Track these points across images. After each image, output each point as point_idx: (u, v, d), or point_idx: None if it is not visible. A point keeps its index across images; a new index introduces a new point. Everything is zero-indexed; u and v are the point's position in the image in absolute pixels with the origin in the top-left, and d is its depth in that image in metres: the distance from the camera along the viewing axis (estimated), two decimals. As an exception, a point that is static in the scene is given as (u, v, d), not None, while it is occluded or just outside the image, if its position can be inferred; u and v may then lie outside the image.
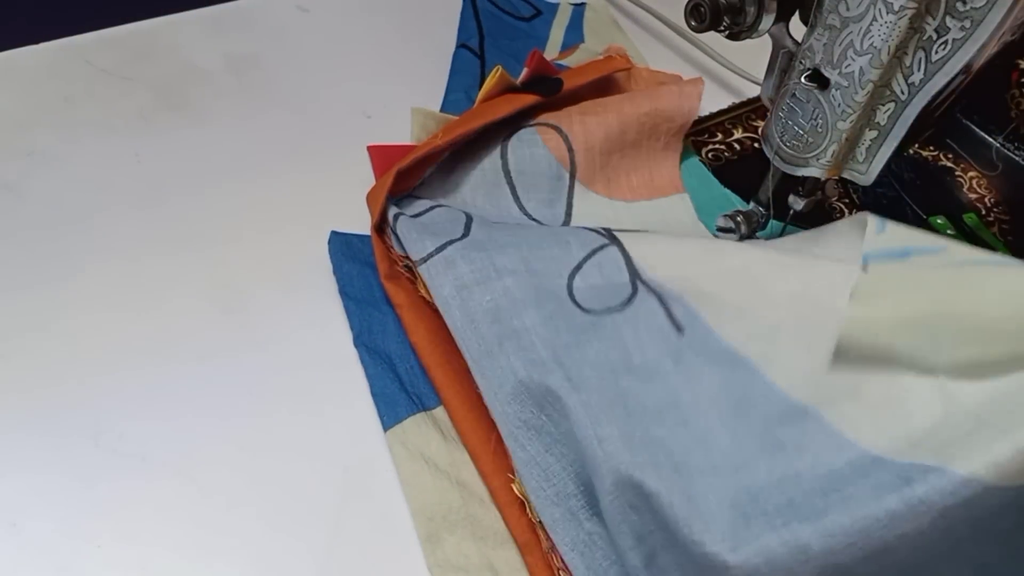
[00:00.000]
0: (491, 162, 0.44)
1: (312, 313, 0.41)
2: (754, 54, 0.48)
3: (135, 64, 0.53)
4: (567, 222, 0.44)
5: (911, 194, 0.47)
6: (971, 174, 0.47)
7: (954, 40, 0.31)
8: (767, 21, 0.36)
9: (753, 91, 0.55)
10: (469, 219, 0.40)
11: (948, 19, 0.31)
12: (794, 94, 0.36)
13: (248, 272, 0.42)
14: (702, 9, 0.36)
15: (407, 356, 0.39)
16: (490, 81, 0.46)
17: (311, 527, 0.33)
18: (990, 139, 0.46)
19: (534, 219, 0.43)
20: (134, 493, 0.34)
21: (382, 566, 0.32)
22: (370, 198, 0.43)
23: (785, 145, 0.37)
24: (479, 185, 0.44)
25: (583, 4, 0.61)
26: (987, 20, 0.30)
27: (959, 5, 0.30)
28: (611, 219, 0.44)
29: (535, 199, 0.44)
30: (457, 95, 0.52)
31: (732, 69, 0.56)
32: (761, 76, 0.40)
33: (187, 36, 0.56)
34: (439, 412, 0.37)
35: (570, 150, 0.44)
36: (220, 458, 0.35)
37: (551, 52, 0.57)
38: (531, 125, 0.45)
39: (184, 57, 0.54)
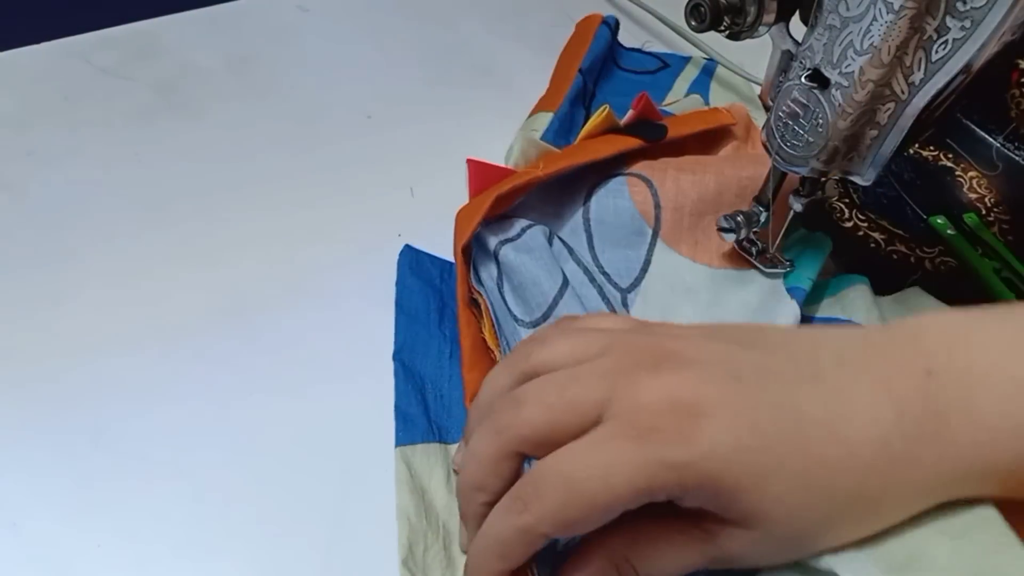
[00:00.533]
0: (572, 208, 0.44)
1: (312, 315, 0.41)
2: (754, 54, 0.48)
3: (135, 64, 0.53)
4: (641, 277, 0.42)
5: (911, 194, 0.47)
6: (971, 174, 0.47)
7: (954, 40, 0.31)
8: (767, 21, 0.36)
9: (753, 91, 0.56)
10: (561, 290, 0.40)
11: (948, 19, 0.31)
12: (794, 94, 0.36)
13: (249, 272, 0.42)
14: (702, 9, 0.36)
15: (440, 384, 0.38)
16: (595, 120, 0.45)
17: (312, 527, 0.33)
18: (990, 139, 0.46)
19: (605, 272, 0.42)
20: (134, 493, 0.34)
21: (383, 566, 0.32)
22: (462, 216, 0.42)
23: (785, 145, 0.37)
24: (558, 228, 0.44)
25: (714, 63, 0.58)
26: (987, 20, 0.30)
27: (959, 5, 0.30)
28: (688, 283, 0.42)
29: (610, 251, 0.42)
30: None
31: (732, 69, 0.56)
32: (761, 76, 0.40)
33: (187, 36, 0.56)
34: (456, 448, 0.36)
35: (657, 207, 0.42)
36: (220, 458, 0.35)
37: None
38: (622, 174, 0.44)
39: (184, 57, 0.54)
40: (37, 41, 0.54)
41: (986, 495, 0.29)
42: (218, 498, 0.34)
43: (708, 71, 0.58)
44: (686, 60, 0.59)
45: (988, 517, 0.29)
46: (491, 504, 0.29)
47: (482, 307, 0.40)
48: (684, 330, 0.31)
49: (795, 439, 0.27)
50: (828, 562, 0.28)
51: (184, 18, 0.57)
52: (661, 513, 0.28)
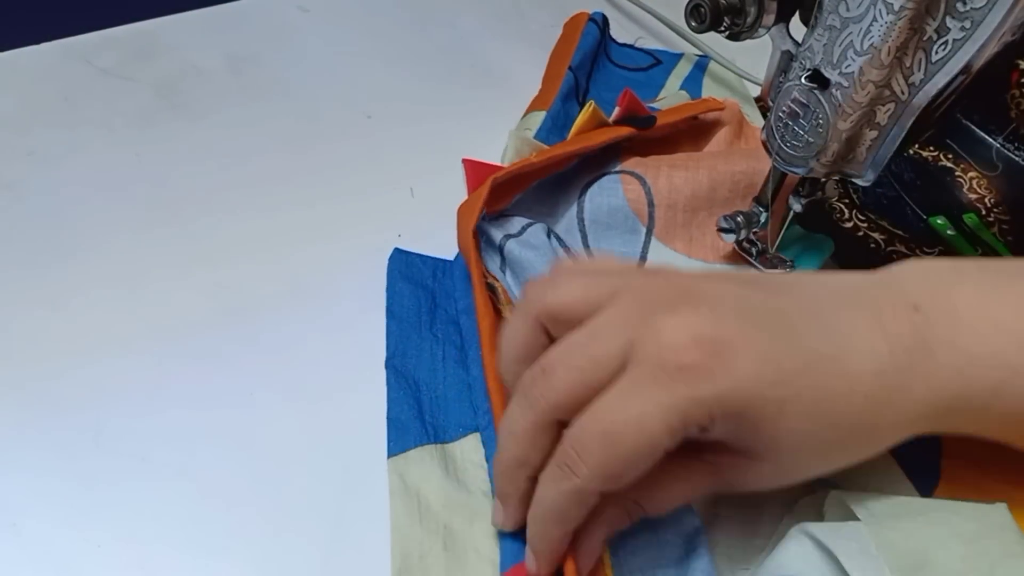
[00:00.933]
0: (566, 207, 0.44)
1: (312, 315, 0.41)
2: (754, 54, 0.48)
3: (135, 64, 0.53)
4: None
5: (911, 194, 0.47)
6: (971, 174, 0.47)
7: (954, 40, 0.31)
8: (767, 21, 0.36)
9: (753, 91, 0.56)
10: None
11: (948, 19, 0.31)
12: (794, 95, 0.36)
13: (249, 272, 0.42)
14: (702, 9, 0.36)
15: (435, 385, 0.38)
16: (582, 117, 0.45)
17: (312, 527, 0.33)
18: (990, 139, 0.46)
19: None
20: (134, 493, 0.34)
21: (383, 566, 0.32)
22: (463, 209, 0.42)
23: (785, 146, 0.37)
24: (553, 226, 0.44)
25: (707, 59, 0.58)
26: (987, 20, 0.30)
27: (959, 5, 0.30)
28: None
29: (605, 247, 0.42)
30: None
31: (732, 69, 0.56)
32: (761, 76, 0.40)
33: (187, 36, 0.56)
34: (455, 446, 0.36)
35: (650, 204, 0.43)
36: (220, 458, 0.35)
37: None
38: (615, 172, 0.44)
39: (184, 57, 0.54)
40: (37, 41, 0.54)
41: (967, 429, 0.31)
42: (218, 498, 0.34)
43: (701, 67, 0.58)
44: (679, 56, 0.59)
45: (1002, 524, 0.29)
46: (534, 478, 0.29)
47: (499, 289, 0.40)
48: (688, 273, 0.32)
49: (807, 372, 0.28)
50: (840, 561, 0.28)
51: (184, 18, 0.57)
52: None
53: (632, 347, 0.27)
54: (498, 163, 0.47)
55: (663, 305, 0.28)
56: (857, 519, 0.29)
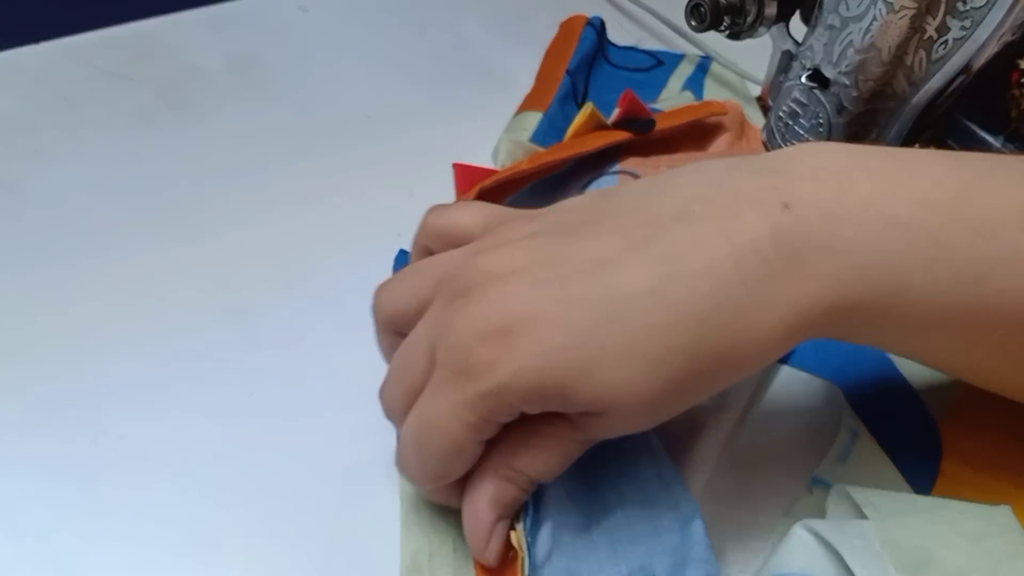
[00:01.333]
0: None
1: (312, 315, 0.41)
2: (754, 54, 0.48)
3: (135, 64, 0.53)
4: None
5: (911, 194, 0.47)
6: (971, 174, 0.47)
7: (954, 40, 0.31)
8: (767, 21, 0.36)
9: (753, 91, 0.56)
10: None
11: (948, 19, 0.31)
12: (794, 94, 0.36)
13: (250, 272, 0.42)
14: (702, 9, 0.37)
15: None
16: (580, 119, 0.45)
17: (312, 527, 0.33)
18: (990, 139, 0.46)
19: None
20: (134, 493, 0.34)
21: (383, 566, 0.32)
22: None
23: (785, 145, 0.37)
24: None
25: (709, 59, 0.57)
26: (987, 20, 0.30)
27: (959, 5, 0.30)
28: None
29: None
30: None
31: (732, 69, 0.56)
32: (761, 76, 0.40)
33: (187, 36, 0.56)
34: None
35: None
36: (220, 458, 0.35)
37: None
38: (614, 172, 0.44)
39: (184, 57, 0.54)
40: (37, 41, 0.54)
41: (861, 340, 0.29)
42: (219, 498, 0.34)
43: (703, 68, 0.58)
44: (680, 57, 0.58)
45: (1007, 524, 0.29)
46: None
47: None
48: (513, 230, 0.30)
49: (614, 321, 0.26)
50: (844, 557, 0.28)
51: (184, 18, 0.58)
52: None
53: (434, 347, 0.28)
54: (491, 166, 0.47)
55: (460, 294, 0.28)
56: (860, 516, 0.29)
